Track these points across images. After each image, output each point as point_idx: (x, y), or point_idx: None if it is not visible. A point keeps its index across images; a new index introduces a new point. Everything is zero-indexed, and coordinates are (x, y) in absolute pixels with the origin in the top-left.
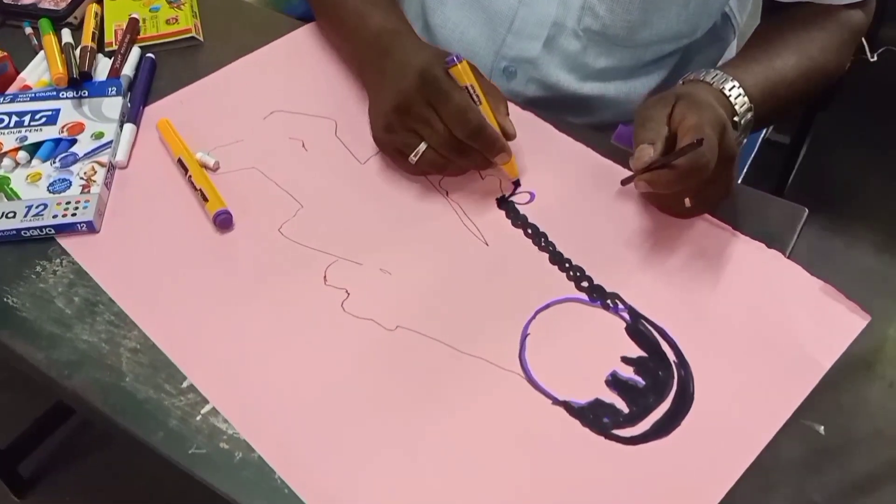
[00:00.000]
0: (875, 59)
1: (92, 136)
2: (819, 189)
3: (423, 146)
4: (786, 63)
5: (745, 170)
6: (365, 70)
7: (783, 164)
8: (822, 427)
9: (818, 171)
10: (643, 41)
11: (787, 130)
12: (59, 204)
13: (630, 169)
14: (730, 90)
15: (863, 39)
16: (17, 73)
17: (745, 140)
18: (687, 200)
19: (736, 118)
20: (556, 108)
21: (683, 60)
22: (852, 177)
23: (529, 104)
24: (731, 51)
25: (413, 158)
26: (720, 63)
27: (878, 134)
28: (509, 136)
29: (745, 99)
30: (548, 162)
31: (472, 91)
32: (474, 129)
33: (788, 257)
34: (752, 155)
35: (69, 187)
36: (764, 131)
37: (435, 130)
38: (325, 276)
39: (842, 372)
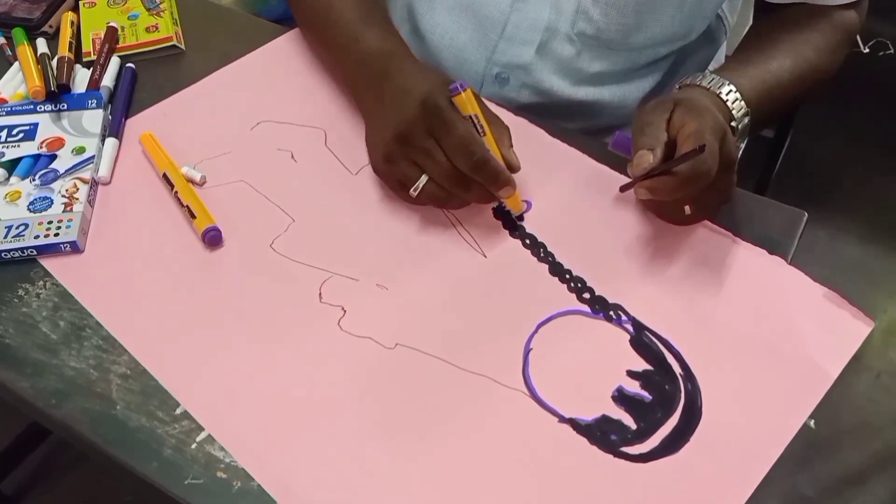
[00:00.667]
0: (867, 50)
1: (73, 152)
2: (803, 181)
3: (423, 179)
4: (781, 65)
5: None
6: (361, 94)
7: (767, 157)
8: (813, 421)
9: (802, 164)
10: (638, 44)
11: (770, 124)
12: (40, 224)
13: (629, 176)
14: (727, 94)
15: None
16: None
17: (742, 145)
18: (687, 208)
19: (733, 123)
20: (550, 113)
21: (677, 63)
22: (835, 169)
23: (522, 110)
24: (723, 52)
25: (413, 193)
26: (713, 65)
27: (861, 126)
28: (514, 168)
29: (742, 104)
30: (544, 170)
31: (475, 121)
32: (478, 162)
33: (790, 263)
34: (740, 151)
35: (51, 206)
36: None
37: (436, 162)
38: (320, 294)
39: None
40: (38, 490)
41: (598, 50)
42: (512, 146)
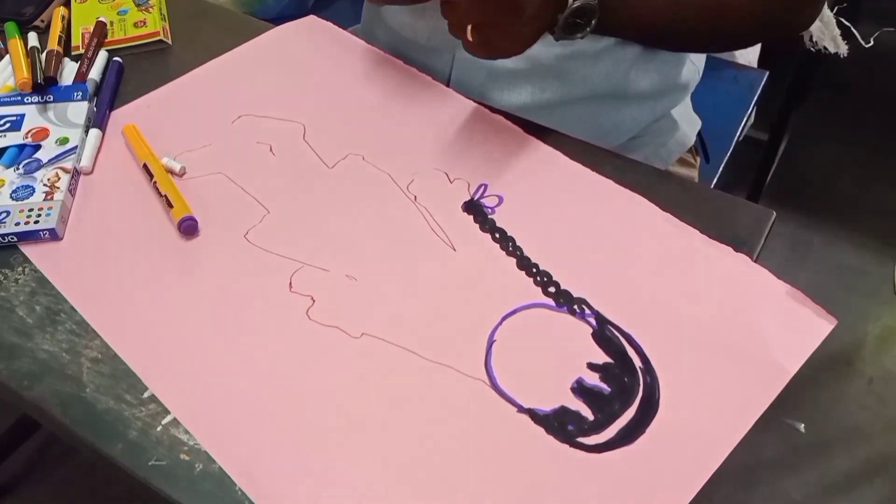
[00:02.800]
0: (871, 43)
1: (56, 142)
2: (797, 186)
3: None
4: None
5: (720, 168)
6: None
7: (761, 161)
8: (802, 425)
9: (796, 169)
10: (592, 51)
11: (764, 128)
12: (21, 211)
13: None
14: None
15: (838, 35)
16: None
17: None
18: (469, 31)
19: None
20: (534, 78)
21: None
22: (830, 174)
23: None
24: None
25: None
26: None
27: (857, 132)
28: None
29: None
30: (516, 166)
31: None
32: None
33: (756, 261)
34: (728, 153)
35: (32, 194)
36: (740, 130)
37: None
38: (290, 283)
39: (821, 369)
40: (30, 480)
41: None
42: None
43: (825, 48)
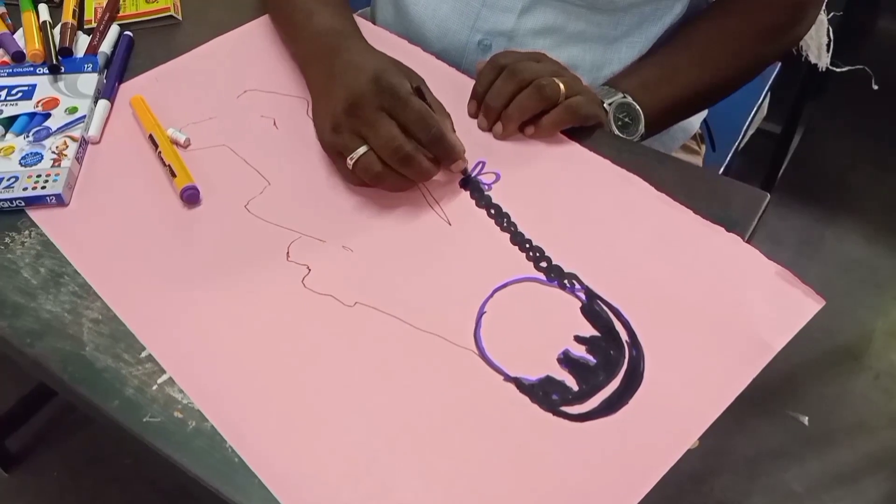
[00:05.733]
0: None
1: (66, 111)
2: (811, 180)
3: (363, 149)
4: (696, 80)
5: (728, 158)
6: (310, 69)
7: (774, 154)
8: (806, 418)
9: (810, 162)
10: (622, 4)
11: (778, 120)
12: (29, 177)
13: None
14: (608, 104)
15: (826, 40)
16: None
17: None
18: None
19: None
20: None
21: (660, 26)
22: (843, 168)
23: None
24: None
25: (350, 162)
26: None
27: (869, 124)
28: (459, 153)
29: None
30: (514, 144)
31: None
32: (436, 134)
33: (748, 241)
34: (737, 143)
35: (41, 161)
36: (749, 121)
37: (379, 134)
38: (287, 253)
39: (828, 363)
40: (40, 448)
41: (582, 12)
42: (455, 131)
43: (807, 56)
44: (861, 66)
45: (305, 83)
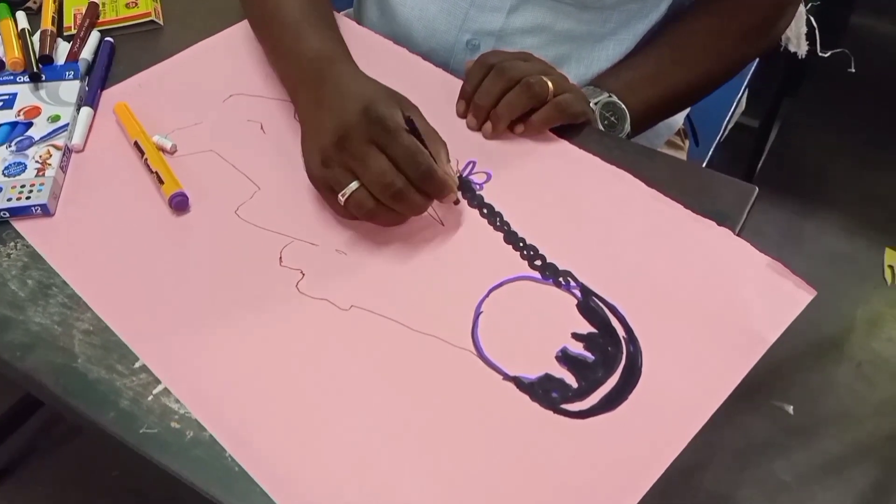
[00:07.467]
0: (828, 55)
1: (48, 120)
2: (790, 173)
3: (354, 185)
4: (679, 80)
5: (710, 152)
6: (298, 96)
7: (753, 148)
8: (791, 407)
9: (789, 156)
10: (610, 2)
11: (755, 114)
12: (13, 187)
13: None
14: (594, 104)
15: (805, 29)
16: None
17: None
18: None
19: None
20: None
21: (647, 24)
22: (822, 161)
23: None
24: None
25: (341, 198)
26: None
27: (847, 118)
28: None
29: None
30: (504, 143)
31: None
32: (425, 172)
33: (738, 234)
34: (718, 137)
35: (24, 170)
36: (729, 115)
37: (371, 170)
38: (280, 258)
39: (811, 353)
40: (29, 461)
41: (571, 9)
42: (449, 161)
43: (785, 47)
44: (842, 50)
45: (294, 108)
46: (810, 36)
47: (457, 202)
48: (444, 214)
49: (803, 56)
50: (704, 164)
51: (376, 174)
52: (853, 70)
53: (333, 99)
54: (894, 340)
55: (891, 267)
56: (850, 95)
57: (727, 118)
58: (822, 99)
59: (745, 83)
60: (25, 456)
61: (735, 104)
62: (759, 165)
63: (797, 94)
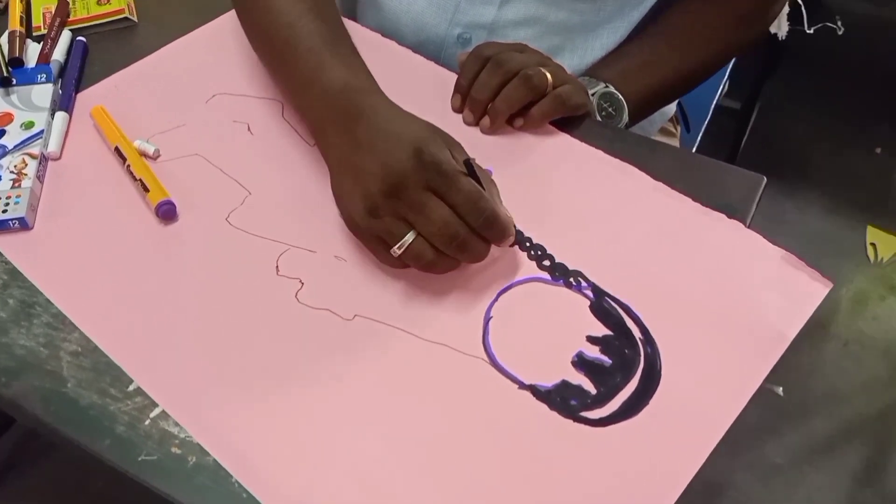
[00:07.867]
0: (842, 30)
1: (21, 127)
2: (771, 154)
3: (410, 236)
4: (675, 67)
5: (699, 136)
6: (325, 134)
7: (735, 129)
8: (781, 388)
9: (770, 137)
10: None
11: (737, 97)
12: None
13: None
14: (591, 94)
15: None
16: None
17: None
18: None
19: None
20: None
21: (641, 10)
22: (803, 141)
23: None
24: None
25: (398, 251)
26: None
27: (827, 99)
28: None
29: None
30: (502, 136)
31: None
32: (489, 218)
33: (749, 226)
34: (706, 121)
35: None
36: (716, 97)
37: (430, 220)
38: (277, 266)
39: (798, 334)
40: (9, 476)
41: (563, 1)
42: (501, 202)
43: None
44: (824, 24)
45: (319, 147)
46: (793, 16)
47: (512, 245)
48: None
49: (783, 37)
50: (695, 149)
51: (439, 225)
52: (842, 31)
53: (375, 139)
54: (879, 319)
55: (873, 244)
56: (831, 76)
57: (713, 102)
58: (803, 80)
59: (729, 66)
60: (4, 471)
61: (721, 87)
62: (741, 147)
63: (775, 75)
